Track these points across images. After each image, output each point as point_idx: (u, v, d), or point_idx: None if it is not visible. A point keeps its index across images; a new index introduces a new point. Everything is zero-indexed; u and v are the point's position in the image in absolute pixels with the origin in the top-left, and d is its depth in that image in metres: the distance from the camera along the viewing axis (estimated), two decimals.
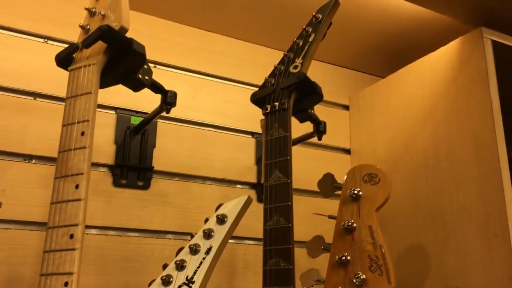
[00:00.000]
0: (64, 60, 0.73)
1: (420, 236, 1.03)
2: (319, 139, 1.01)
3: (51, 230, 0.64)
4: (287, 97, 0.84)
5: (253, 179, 1.13)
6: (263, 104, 0.86)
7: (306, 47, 0.87)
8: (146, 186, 1.00)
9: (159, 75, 1.04)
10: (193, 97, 1.11)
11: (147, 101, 1.01)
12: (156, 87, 0.83)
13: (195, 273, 0.69)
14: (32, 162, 0.92)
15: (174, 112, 1.06)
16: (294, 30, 0.89)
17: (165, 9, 1.10)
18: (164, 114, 1.04)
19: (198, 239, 0.72)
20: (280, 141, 0.83)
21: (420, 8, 1.03)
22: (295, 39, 0.89)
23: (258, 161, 1.14)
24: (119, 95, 1.01)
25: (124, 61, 0.72)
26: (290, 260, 0.76)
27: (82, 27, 0.75)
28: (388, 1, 1.09)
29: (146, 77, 0.79)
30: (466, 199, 0.95)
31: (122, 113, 1.01)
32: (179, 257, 0.71)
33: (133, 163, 0.98)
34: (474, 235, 0.92)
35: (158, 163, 1.02)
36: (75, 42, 0.73)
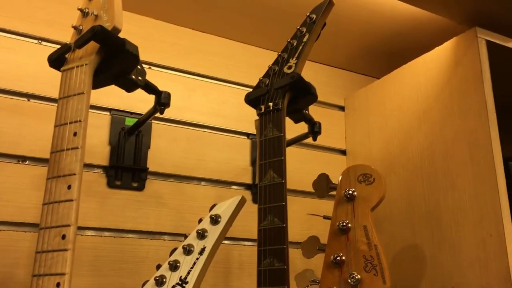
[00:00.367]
0: (57, 60, 0.72)
1: (415, 237, 1.03)
2: (314, 139, 1.01)
3: (43, 231, 0.63)
4: (281, 98, 0.84)
5: (248, 180, 1.12)
6: (257, 104, 0.86)
7: (300, 47, 0.87)
8: (140, 187, 0.99)
9: (154, 76, 1.04)
10: (187, 98, 1.11)
11: (142, 102, 1.01)
12: (150, 88, 0.83)
13: (188, 273, 0.69)
14: (26, 163, 0.91)
15: (168, 113, 1.06)
16: (289, 30, 0.89)
17: (159, 10, 1.10)
18: (158, 115, 1.04)
19: (191, 239, 0.72)
20: (274, 141, 0.83)
21: (415, 8, 1.03)
22: (289, 40, 0.89)
23: (253, 162, 1.14)
24: (113, 96, 1.00)
25: (117, 62, 0.72)
26: (285, 260, 0.76)
27: (75, 27, 0.75)
28: (383, 2, 1.09)
29: (140, 78, 0.79)
30: (461, 199, 0.95)
31: (117, 114, 1.01)
32: (172, 258, 0.71)
33: (128, 164, 0.98)
34: (469, 235, 0.92)
35: (152, 164, 1.02)
36: (68, 43, 0.73)
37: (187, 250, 0.71)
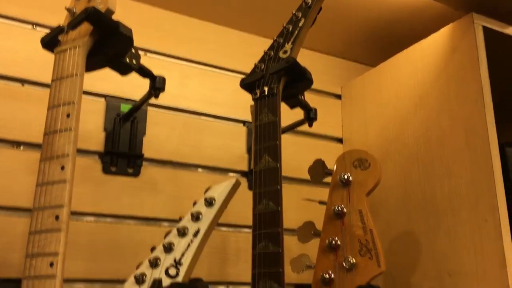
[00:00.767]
0: (50, 42, 0.72)
1: (411, 223, 1.03)
2: (310, 125, 1.01)
3: (37, 212, 0.63)
4: (277, 82, 0.84)
5: (244, 167, 1.12)
6: (253, 89, 0.85)
7: (296, 32, 0.87)
8: (136, 174, 0.99)
9: (149, 63, 1.02)
10: (183, 85, 1.11)
11: (137, 88, 1.00)
12: (144, 72, 0.83)
13: (182, 255, 0.69)
14: (20, 148, 0.91)
15: (164, 100, 1.06)
16: (285, 18, 0.88)
17: None
18: (154, 102, 1.04)
19: (186, 221, 0.72)
20: (270, 126, 0.82)
21: None
22: (284, 25, 0.88)
23: (249, 150, 1.14)
24: (108, 82, 1.00)
25: (110, 44, 0.72)
26: (279, 243, 0.76)
27: (68, 9, 0.74)
28: None
29: (134, 61, 0.78)
30: (457, 185, 0.94)
31: (112, 100, 1.01)
32: (167, 240, 0.71)
33: (123, 151, 0.98)
34: (465, 220, 0.92)
35: (148, 150, 1.02)
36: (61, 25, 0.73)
37: (182, 233, 0.71)
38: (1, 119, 0.90)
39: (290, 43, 0.87)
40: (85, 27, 0.70)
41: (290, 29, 0.87)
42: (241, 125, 1.16)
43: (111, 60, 0.75)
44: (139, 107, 0.94)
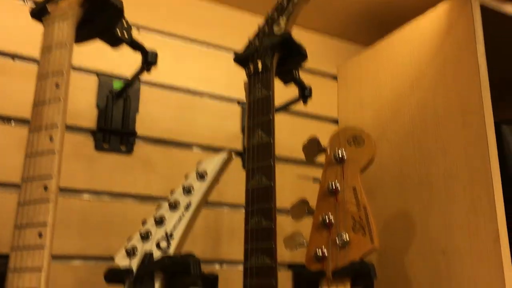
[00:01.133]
0: (39, 12, 0.71)
1: (406, 203, 1.03)
2: (305, 103, 1.00)
3: (25, 183, 0.63)
4: (270, 57, 0.83)
5: (239, 146, 1.11)
6: (246, 64, 0.84)
7: (290, 6, 0.86)
8: (129, 151, 0.98)
9: (143, 40, 1.00)
10: (177, 63, 1.10)
11: (129, 66, 0.99)
12: (136, 45, 0.82)
13: (174, 228, 0.68)
14: (11, 124, 0.90)
15: (157, 78, 1.05)
16: None
17: None
18: (147, 79, 1.03)
19: (177, 195, 0.71)
20: (263, 101, 0.81)
21: None
22: (279, 0, 0.87)
23: (243, 129, 1.13)
24: (100, 59, 0.99)
25: (100, 15, 0.71)
26: (272, 219, 0.75)
27: None
28: None
29: (125, 34, 0.77)
30: (452, 163, 0.94)
31: (104, 77, 0.99)
32: (158, 213, 0.71)
33: (116, 128, 0.97)
34: (459, 198, 0.91)
35: (141, 128, 1.01)
36: None
37: (173, 206, 0.70)
38: None
39: (284, 18, 0.85)
40: None
41: (285, 3, 0.86)
42: (236, 104, 1.15)
43: (102, 32, 0.74)
44: (131, 83, 0.93)
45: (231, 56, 1.15)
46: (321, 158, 0.87)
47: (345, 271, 0.77)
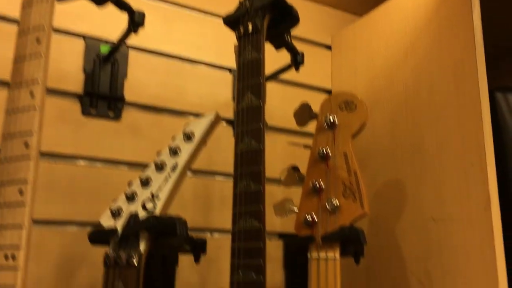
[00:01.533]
0: None
1: (398, 171, 1.02)
2: (297, 69, 0.98)
3: (6, 140, 0.61)
4: (261, 18, 0.81)
5: (229, 115, 1.09)
6: (236, 26, 0.82)
7: None
8: (117, 117, 0.96)
9: (132, 3, 0.99)
10: (167, 28, 1.07)
11: (117, 29, 0.96)
12: (122, 4, 0.79)
13: (160, 189, 0.67)
14: None
15: (146, 43, 1.03)
16: None
17: None
18: (135, 44, 1.01)
19: (164, 156, 0.70)
20: (253, 64, 0.80)
21: None
22: None
23: (234, 98, 1.11)
24: (87, 22, 0.96)
25: None
26: (261, 182, 0.74)
27: None
28: None
29: None
30: (445, 131, 0.93)
31: (91, 41, 0.97)
32: (144, 174, 0.69)
33: (103, 92, 0.94)
34: (451, 165, 0.90)
35: (129, 94, 0.98)
36: None
37: (159, 167, 0.69)
38: None
39: None
40: None
41: None
42: (227, 72, 1.13)
43: None
44: (118, 46, 0.91)
45: (222, 23, 1.12)
46: (313, 127, 0.86)
47: (334, 236, 0.76)
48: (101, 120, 0.95)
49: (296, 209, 0.82)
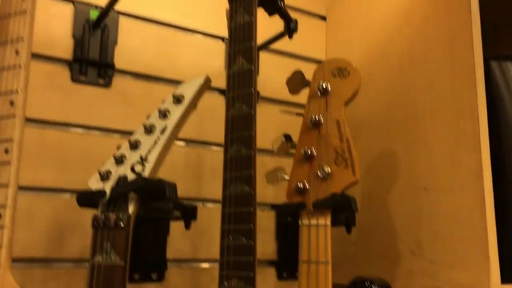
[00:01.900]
0: None
1: (391, 142, 1.01)
2: (290, 37, 0.97)
3: None
4: None
5: (222, 84, 1.08)
6: None
7: None
8: (107, 84, 0.95)
9: None
10: None
11: None
12: None
13: (149, 152, 0.66)
14: None
15: (137, 10, 1.01)
16: None
17: None
18: (126, 10, 0.99)
19: (153, 119, 0.69)
20: (245, 27, 0.78)
21: None
22: None
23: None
24: None
25: None
26: (252, 147, 0.73)
27: None
28: None
29: None
30: (439, 99, 0.92)
31: (80, 6, 0.95)
32: (133, 137, 0.68)
33: (93, 59, 0.93)
34: (444, 134, 0.90)
35: (119, 61, 0.97)
36: None
37: (148, 130, 0.68)
38: None
39: None
40: None
41: None
42: (220, 41, 1.11)
43: None
44: (108, 10, 0.89)
45: None
46: (306, 98, 0.84)
47: (325, 202, 0.75)
48: (91, 87, 0.94)
49: (287, 177, 0.81)
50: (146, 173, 0.64)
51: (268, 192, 1.09)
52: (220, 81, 1.08)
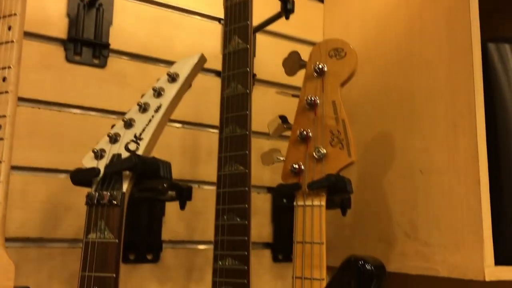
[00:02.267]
0: None
1: (388, 125, 1.01)
2: (287, 18, 0.96)
3: None
4: None
5: (218, 66, 1.07)
6: None
7: None
8: (102, 65, 0.94)
9: None
10: None
11: None
12: None
13: (143, 130, 0.66)
14: None
15: None
16: None
17: None
18: None
19: (147, 97, 0.69)
20: (241, 6, 0.78)
21: None
22: None
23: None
24: None
25: None
26: (247, 126, 0.73)
27: None
28: None
29: None
30: (436, 81, 0.91)
31: None
32: (127, 116, 0.68)
33: (88, 38, 0.92)
34: (440, 116, 0.89)
35: (115, 41, 0.96)
36: None
37: (143, 108, 0.67)
38: None
39: None
40: None
41: None
42: (217, 22, 1.10)
43: None
44: None
45: None
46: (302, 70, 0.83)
47: (320, 183, 0.75)
48: (86, 67, 0.93)
49: (283, 159, 0.81)
50: (140, 151, 0.64)
51: (264, 175, 1.09)
52: (216, 63, 1.07)
